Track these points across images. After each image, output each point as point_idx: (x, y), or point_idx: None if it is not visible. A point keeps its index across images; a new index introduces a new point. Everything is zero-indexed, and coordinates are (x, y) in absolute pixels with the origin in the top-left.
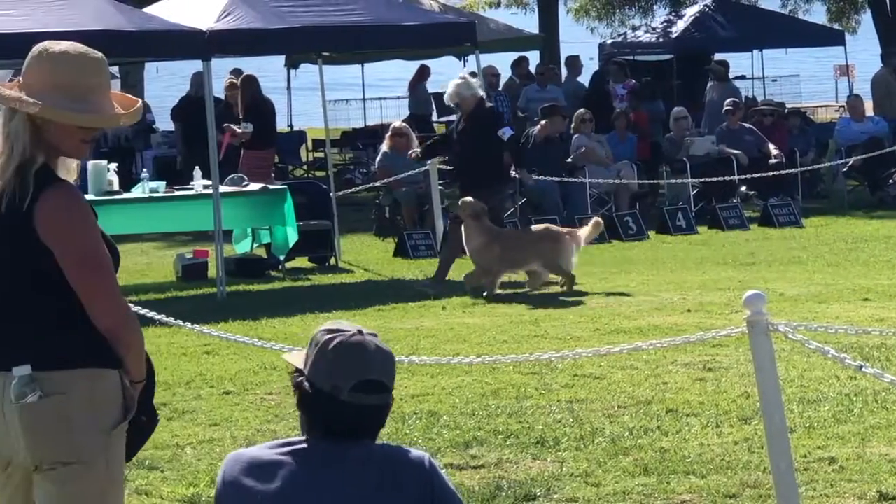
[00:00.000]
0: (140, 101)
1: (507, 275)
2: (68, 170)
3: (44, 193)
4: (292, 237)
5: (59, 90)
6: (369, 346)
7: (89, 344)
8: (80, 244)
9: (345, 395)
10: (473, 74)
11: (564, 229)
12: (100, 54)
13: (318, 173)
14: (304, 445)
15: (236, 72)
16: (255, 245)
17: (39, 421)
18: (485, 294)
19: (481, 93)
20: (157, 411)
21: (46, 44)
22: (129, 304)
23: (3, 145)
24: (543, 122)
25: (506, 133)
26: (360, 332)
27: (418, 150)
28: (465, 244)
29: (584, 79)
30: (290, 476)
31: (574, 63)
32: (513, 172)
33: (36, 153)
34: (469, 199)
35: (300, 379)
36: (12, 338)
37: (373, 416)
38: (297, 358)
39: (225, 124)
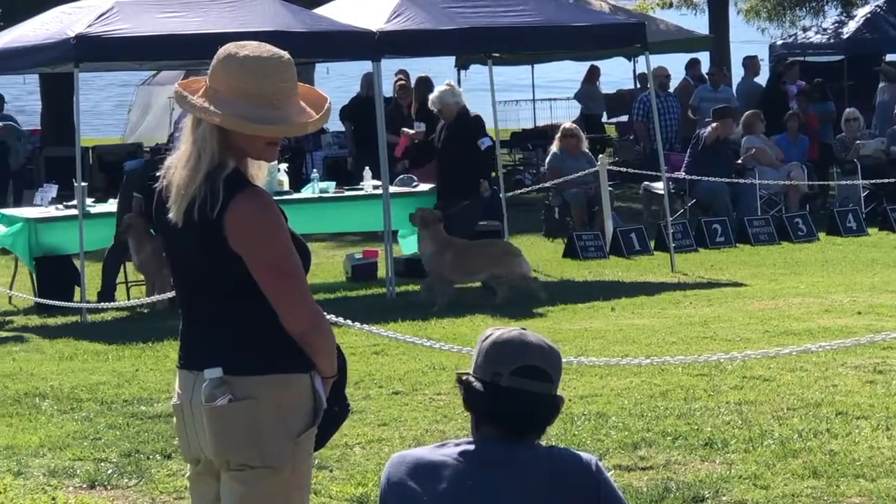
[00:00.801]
0: (329, 99)
1: (461, 284)
2: (259, 169)
3: (233, 200)
4: None
5: (244, 97)
6: (529, 337)
7: (280, 349)
8: (270, 250)
9: (505, 381)
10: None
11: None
12: (287, 56)
13: None
14: (470, 446)
15: (404, 73)
16: None
17: (228, 424)
18: (435, 306)
19: (464, 101)
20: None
21: (231, 47)
22: (320, 309)
23: (191, 151)
24: (715, 124)
25: (484, 143)
26: (522, 328)
27: (405, 161)
28: (419, 252)
29: (761, 79)
30: (456, 477)
31: (752, 63)
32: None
33: (225, 158)
34: (424, 207)
35: (465, 377)
36: (205, 340)
37: (536, 405)
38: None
39: (402, 129)
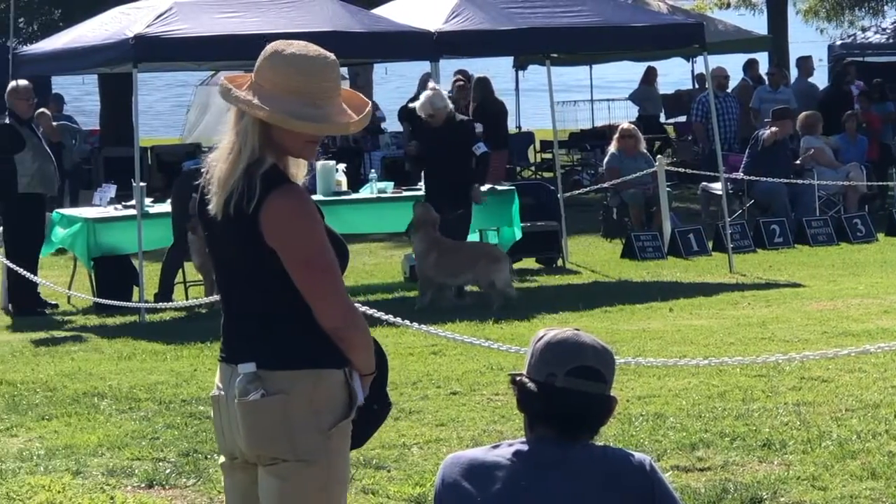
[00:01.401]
0: (370, 103)
1: (448, 284)
2: (298, 167)
3: (269, 195)
4: (516, 236)
5: (289, 94)
6: (583, 338)
7: (314, 344)
8: (305, 246)
9: (560, 381)
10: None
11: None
12: (332, 56)
13: (546, 174)
14: (524, 447)
15: (463, 73)
16: None
17: (260, 419)
18: (416, 306)
19: (451, 105)
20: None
21: (278, 45)
22: (356, 303)
23: (231, 144)
24: (773, 127)
25: (479, 149)
26: (576, 329)
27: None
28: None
29: (814, 80)
30: (511, 478)
31: (805, 64)
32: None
33: (265, 154)
34: (424, 206)
35: (519, 378)
36: (241, 335)
37: (590, 406)
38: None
39: None
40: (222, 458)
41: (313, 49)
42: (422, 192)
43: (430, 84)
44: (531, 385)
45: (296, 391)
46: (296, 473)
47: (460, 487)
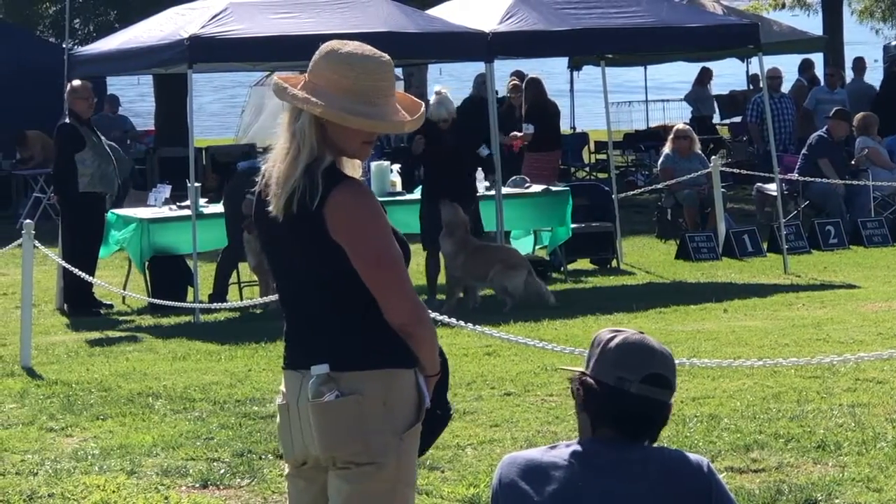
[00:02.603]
0: (423, 105)
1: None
2: (354, 169)
3: (333, 192)
4: (565, 235)
5: (344, 92)
6: (653, 344)
7: (385, 343)
8: (373, 241)
9: (634, 388)
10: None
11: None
12: (387, 57)
13: (601, 175)
14: (582, 448)
15: (518, 74)
16: (536, 247)
17: (335, 421)
18: (443, 308)
19: (454, 109)
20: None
21: (334, 44)
22: (421, 301)
23: (289, 144)
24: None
25: (483, 152)
26: (641, 332)
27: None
28: (442, 253)
29: (868, 79)
30: (567, 479)
31: (860, 65)
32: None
33: (324, 152)
34: (450, 209)
35: (584, 378)
36: (311, 337)
37: (659, 413)
38: (576, 367)
39: (511, 133)
40: (287, 468)
41: (369, 49)
42: (477, 192)
43: (437, 88)
44: (599, 389)
45: (370, 391)
46: (367, 477)
47: (517, 488)
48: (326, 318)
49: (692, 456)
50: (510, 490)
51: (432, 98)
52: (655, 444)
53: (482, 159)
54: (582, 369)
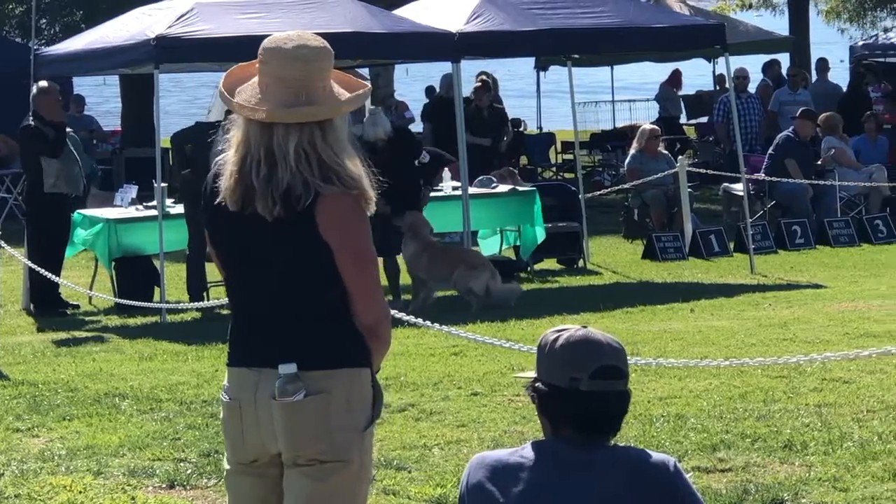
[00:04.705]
0: (368, 85)
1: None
2: None
3: (324, 191)
4: (540, 237)
5: (283, 87)
6: (597, 337)
7: (350, 342)
8: (360, 240)
9: (584, 385)
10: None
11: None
12: (323, 44)
13: (567, 175)
14: (547, 449)
15: (487, 74)
16: (503, 247)
17: (303, 419)
18: (410, 308)
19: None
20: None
21: (272, 40)
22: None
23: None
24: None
25: (424, 158)
26: (584, 327)
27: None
28: (402, 255)
29: (832, 79)
30: (535, 479)
31: (823, 65)
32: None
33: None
34: (412, 212)
35: (536, 384)
36: (278, 335)
37: (616, 404)
38: (530, 372)
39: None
40: (228, 465)
41: (301, 40)
42: (444, 192)
43: (370, 106)
44: (551, 392)
45: (335, 390)
46: (331, 474)
47: (484, 488)
48: (299, 316)
49: (658, 455)
50: (477, 490)
51: (366, 119)
52: (623, 444)
53: (422, 168)
54: (534, 375)
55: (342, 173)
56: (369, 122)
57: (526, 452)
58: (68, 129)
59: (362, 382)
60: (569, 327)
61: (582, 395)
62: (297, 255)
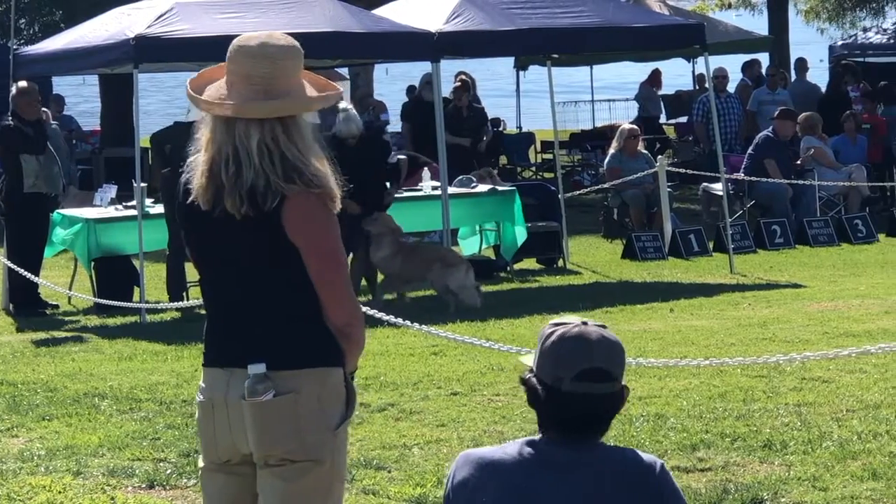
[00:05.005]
0: (340, 88)
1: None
2: None
3: (291, 191)
4: (521, 237)
5: (252, 84)
6: (591, 336)
7: (321, 342)
8: (327, 241)
9: (567, 386)
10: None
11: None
12: (292, 42)
13: (547, 175)
14: (534, 447)
15: (466, 74)
16: (483, 246)
17: (272, 419)
18: (371, 305)
19: (361, 124)
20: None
21: (241, 39)
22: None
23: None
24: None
25: (394, 158)
26: (583, 323)
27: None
28: (371, 255)
29: (811, 78)
30: (521, 478)
31: (802, 65)
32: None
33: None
34: (384, 217)
35: (528, 376)
36: (246, 336)
37: (599, 406)
38: (531, 358)
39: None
40: (202, 463)
41: (269, 39)
42: (422, 192)
43: (342, 105)
44: (539, 388)
45: (305, 390)
46: (303, 473)
47: (468, 486)
48: (267, 316)
49: (646, 456)
50: (461, 488)
51: (339, 115)
52: (611, 444)
53: (390, 169)
54: (532, 365)
55: (305, 171)
56: (342, 119)
57: (512, 450)
58: (53, 123)
59: (334, 382)
60: (568, 322)
61: (563, 395)
62: (266, 256)
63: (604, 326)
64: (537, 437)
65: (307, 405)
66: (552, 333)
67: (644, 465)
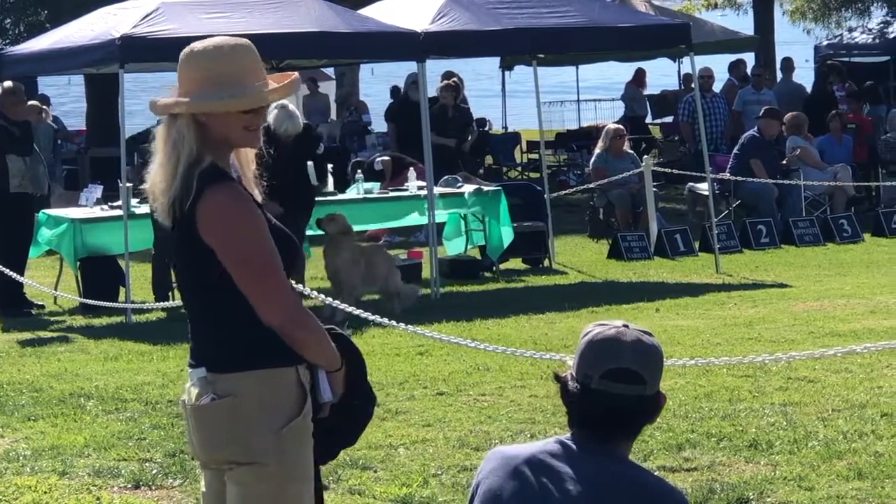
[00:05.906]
0: (296, 74)
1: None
2: (246, 163)
3: (206, 192)
4: (508, 238)
5: (207, 83)
6: (625, 337)
7: (261, 344)
8: (239, 243)
9: (594, 384)
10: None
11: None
12: (245, 41)
13: (533, 175)
14: (563, 449)
15: (448, 74)
16: (468, 246)
17: (210, 423)
18: (337, 317)
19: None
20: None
21: (191, 46)
22: (301, 301)
23: (170, 153)
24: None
25: (321, 148)
26: (624, 325)
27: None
28: (327, 259)
29: (797, 78)
30: (538, 481)
31: (788, 65)
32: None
33: (203, 153)
34: (335, 214)
35: (563, 373)
36: (194, 339)
37: (626, 407)
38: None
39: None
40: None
41: (222, 40)
42: (408, 193)
43: (282, 102)
44: (571, 384)
45: (245, 392)
46: (249, 476)
47: (489, 481)
48: (207, 320)
49: (675, 490)
50: (486, 485)
51: (277, 111)
52: (643, 466)
53: (319, 166)
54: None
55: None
56: (285, 114)
57: (542, 449)
58: (50, 121)
59: (281, 382)
60: (609, 323)
61: (591, 392)
62: (190, 260)
63: (647, 332)
64: (567, 435)
65: (248, 408)
66: (590, 332)
67: (664, 493)
